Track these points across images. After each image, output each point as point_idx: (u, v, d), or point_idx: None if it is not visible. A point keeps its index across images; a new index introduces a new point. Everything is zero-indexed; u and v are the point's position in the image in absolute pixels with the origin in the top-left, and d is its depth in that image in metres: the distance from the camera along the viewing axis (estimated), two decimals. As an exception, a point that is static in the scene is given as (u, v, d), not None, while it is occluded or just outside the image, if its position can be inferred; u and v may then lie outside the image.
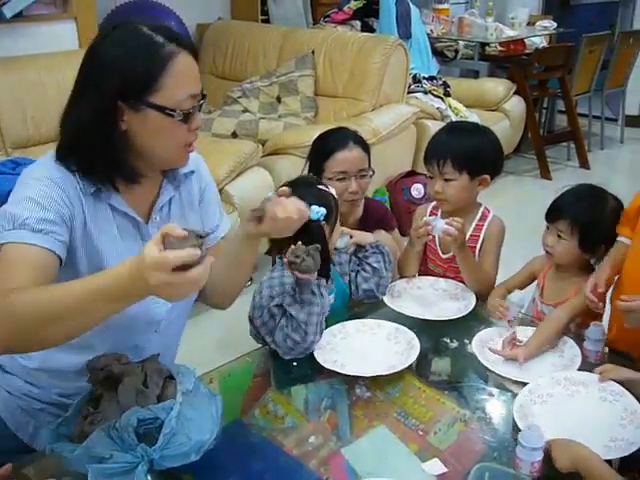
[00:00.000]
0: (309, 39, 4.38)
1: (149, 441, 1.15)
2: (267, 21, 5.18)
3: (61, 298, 1.10)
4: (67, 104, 1.34)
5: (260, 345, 1.76)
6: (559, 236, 1.89)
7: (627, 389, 1.46)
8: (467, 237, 2.03)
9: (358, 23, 5.03)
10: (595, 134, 5.95)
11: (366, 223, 2.26)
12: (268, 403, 1.54)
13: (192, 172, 1.53)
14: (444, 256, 2.09)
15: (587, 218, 1.87)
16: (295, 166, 3.47)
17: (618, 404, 1.45)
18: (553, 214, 1.92)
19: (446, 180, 2.00)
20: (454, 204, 2.03)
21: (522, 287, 2.03)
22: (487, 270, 2.04)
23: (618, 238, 1.84)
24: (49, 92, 3.25)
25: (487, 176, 2.03)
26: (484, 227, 2.08)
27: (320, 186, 1.87)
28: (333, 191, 1.88)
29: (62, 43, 3.56)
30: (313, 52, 4.27)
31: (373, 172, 2.26)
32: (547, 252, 1.95)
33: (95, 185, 1.34)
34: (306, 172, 2.26)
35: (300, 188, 1.85)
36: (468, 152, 2.00)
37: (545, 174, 5.31)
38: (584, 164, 5.54)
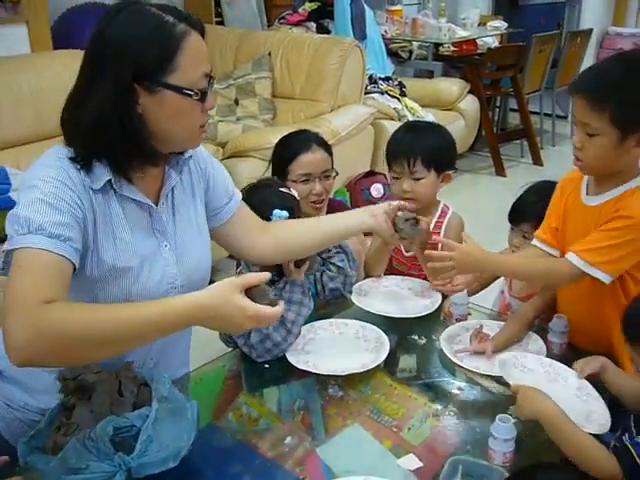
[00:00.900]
0: (265, 41, 4.38)
1: (126, 449, 1.14)
2: (221, 23, 5.16)
3: (118, 324, 1.15)
4: (73, 97, 1.30)
5: (230, 349, 1.76)
6: (524, 237, 1.93)
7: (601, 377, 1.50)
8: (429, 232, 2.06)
9: (313, 25, 5.04)
10: (547, 131, 6.08)
11: None
12: (241, 406, 1.54)
13: (190, 156, 1.51)
14: (407, 254, 2.12)
15: (529, 205, 1.93)
16: (256, 168, 3.47)
17: (588, 405, 1.47)
18: (516, 216, 1.96)
19: (415, 179, 2.03)
20: (422, 202, 2.05)
21: (489, 283, 2.07)
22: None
23: (534, 243, 1.74)
24: (1, 96, 3.18)
25: (450, 172, 2.07)
26: (444, 224, 2.11)
27: (282, 189, 1.88)
28: (295, 193, 1.90)
29: (13, 47, 3.49)
30: (270, 54, 4.27)
31: (336, 173, 2.28)
32: (514, 252, 1.97)
33: (104, 178, 1.30)
34: (269, 175, 2.27)
35: (262, 191, 1.87)
36: (434, 150, 2.05)
37: (500, 171, 5.41)
38: (537, 161, 5.66)
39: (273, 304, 1.27)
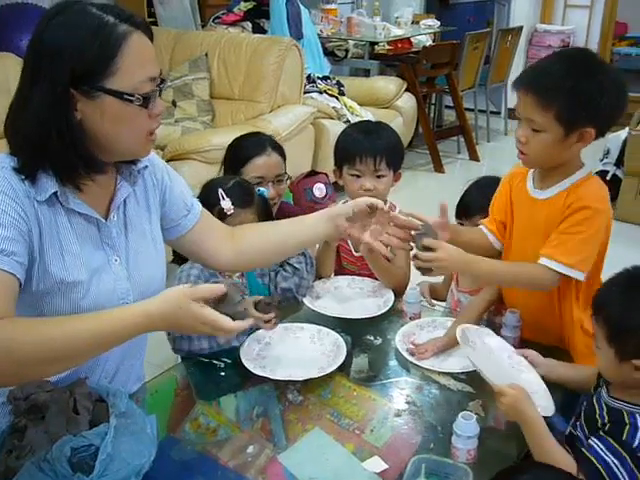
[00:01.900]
0: (201, 41, 4.32)
1: (85, 470, 1.10)
2: (155, 23, 5.06)
3: (68, 338, 1.12)
4: (14, 103, 1.24)
5: (178, 355, 1.73)
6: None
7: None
8: None
9: (249, 24, 5.00)
10: (482, 127, 6.20)
11: None
12: (198, 416, 1.50)
13: (146, 167, 1.45)
14: (357, 254, 2.12)
15: (476, 199, 1.97)
16: (197, 171, 3.42)
17: (522, 374, 1.51)
18: (467, 211, 1.99)
19: (377, 177, 2.03)
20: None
21: (446, 281, 2.10)
22: (400, 266, 2.08)
23: (481, 227, 1.80)
24: None
25: (400, 171, 2.09)
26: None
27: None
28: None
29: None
30: (206, 54, 4.21)
31: (289, 177, 2.27)
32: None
33: (49, 190, 1.24)
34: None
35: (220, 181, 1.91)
36: (395, 148, 2.08)
37: (438, 168, 5.49)
38: (474, 156, 5.77)
39: (235, 317, 1.24)
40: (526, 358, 1.55)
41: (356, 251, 2.11)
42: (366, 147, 2.03)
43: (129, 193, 1.42)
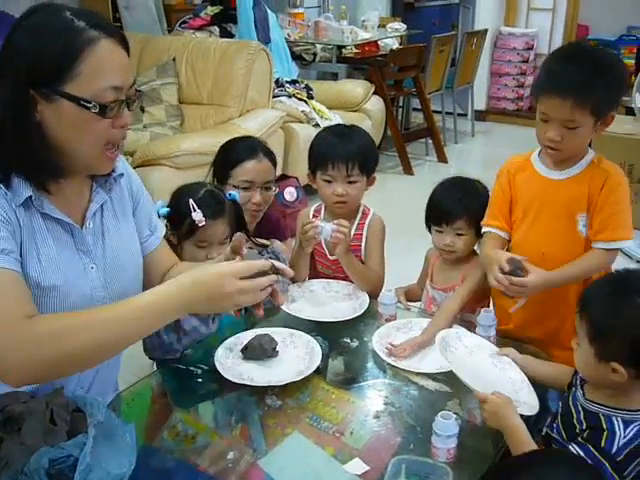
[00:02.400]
0: (169, 46, 4.30)
1: (64, 481, 1.08)
2: (120, 28, 5.01)
3: (110, 324, 1.17)
4: None
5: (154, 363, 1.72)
6: (458, 234, 1.95)
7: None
8: (351, 236, 2.07)
9: (216, 29, 4.98)
10: (449, 129, 6.26)
11: (260, 233, 2.25)
12: (176, 424, 1.49)
13: (122, 175, 1.43)
14: (332, 257, 2.12)
15: (472, 209, 1.96)
16: (167, 176, 3.40)
17: (506, 372, 1.54)
18: (447, 216, 1.95)
19: (349, 182, 2.03)
20: (353, 205, 2.07)
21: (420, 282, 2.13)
22: (374, 269, 2.09)
23: (490, 230, 1.88)
24: None
25: (375, 175, 2.09)
26: (365, 225, 2.13)
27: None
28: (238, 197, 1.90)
29: None
30: (174, 59, 4.19)
31: (277, 186, 2.27)
32: (444, 251, 1.99)
33: (24, 194, 1.23)
34: (209, 179, 2.23)
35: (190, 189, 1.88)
36: (368, 153, 2.07)
37: (407, 170, 5.52)
38: (442, 158, 5.81)
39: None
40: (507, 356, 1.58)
41: (331, 255, 2.11)
42: (338, 153, 2.03)
43: (105, 200, 1.40)
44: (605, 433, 1.27)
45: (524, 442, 1.31)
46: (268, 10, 5.04)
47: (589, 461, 1.24)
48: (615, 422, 1.28)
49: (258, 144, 2.27)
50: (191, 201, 1.81)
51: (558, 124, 1.67)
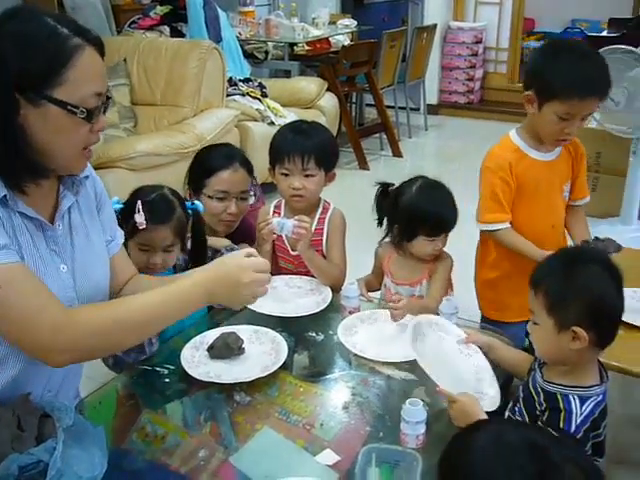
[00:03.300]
0: (119, 46, 4.24)
1: (35, 487, 1.07)
2: (67, 30, 4.92)
3: (146, 306, 1.32)
4: None
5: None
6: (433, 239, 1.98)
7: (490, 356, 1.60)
8: (312, 231, 2.09)
9: (167, 28, 4.92)
10: (402, 124, 6.31)
11: (231, 238, 2.23)
12: (145, 425, 1.48)
13: (87, 177, 1.44)
14: (294, 252, 2.13)
15: (456, 212, 1.99)
16: (123, 179, 3.35)
17: (471, 359, 1.58)
18: (444, 227, 1.96)
19: (306, 176, 2.04)
20: (310, 199, 2.08)
21: (380, 277, 2.15)
22: (336, 263, 2.11)
23: (499, 226, 2.03)
24: None
25: (334, 172, 2.11)
26: (326, 219, 2.15)
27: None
28: (200, 206, 1.90)
29: None
30: (125, 60, 4.14)
31: (254, 195, 2.26)
32: (430, 254, 2.00)
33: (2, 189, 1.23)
34: (185, 186, 2.22)
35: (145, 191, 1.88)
36: (325, 149, 2.08)
37: (363, 165, 5.56)
38: (397, 152, 5.86)
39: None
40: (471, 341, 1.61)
41: (293, 250, 2.12)
42: (295, 146, 2.04)
43: (73, 202, 1.41)
44: (562, 413, 1.31)
45: None
46: (218, 9, 5.01)
47: None
48: (572, 400, 1.32)
49: (235, 153, 2.26)
50: (139, 202, 1.79)
51: (579, 119, 1.86)
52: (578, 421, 1.30)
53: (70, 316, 1.25)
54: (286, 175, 2.06)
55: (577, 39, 2.23)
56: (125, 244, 1.67)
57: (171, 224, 1.86)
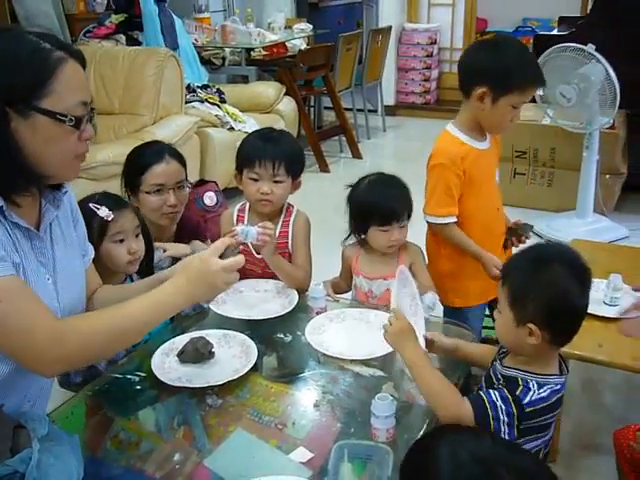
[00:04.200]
0: (75, 56, 4.19)
1: (11, 498, 1.07)
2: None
3: (136, 314, 1.37)
4: None
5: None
6: (401, 227, 2.02)
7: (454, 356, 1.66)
8: (276, 234, 2.12)
9: (123, 37, 4.89)
10: (361, 125, 6.37)
11: (181, 236, 2.26)
12: (119, 432, 1.49)
13: (66, 192, 1.47)
14: (259, 256, 2.15)
15: (408, 202, 2.05)
16: (84, 188, 3.27)
17: (416, 319, 1.60)
18: (393, 216, 2.00)
19: (275, 182, 2.07)
20: (277, 205, 2.11)
21: (347, 281, 2.19)
22: (302, 264, 2.14)
23: (451, 219, 2.12)
24: None
25: (300, 180, 2.15)
26: (290, 222, 2.18)
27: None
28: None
29: None
30: (82, 70, 4.10)
31: (191, 184, 2.27)
32: (391, 247, 2.04)
33: None
34: (122, 188, 2.23)
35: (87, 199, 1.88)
36: (295, 157, 2.13)
37: (324, 168, 5.60)
38: (356, 154, 5.92)
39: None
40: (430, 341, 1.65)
41: (257, 253, 2.14)
42: (266, 152, 2.08)
43: (54, 216, 1.43)
44: (520, 387, 1.37)
45: (423, 365, 1.42)
46: (174, 16, 5.00)
47: (499, 400, 1.34)
48: (530, 382, 1.37)
49: (164, 147, 2.29)
50: (91, 204, 1.82)
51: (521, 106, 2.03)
52: (534, 398, 1.35)
53: (66, 326, 1.29)
54: (255, 180, 2.09)
55: (501, 33, 2.36)
56: (96, 256, 1.70)
57: (130, 207, 1.92)
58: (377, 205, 2.02)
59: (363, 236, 2.10)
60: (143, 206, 2.17)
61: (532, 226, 2.31)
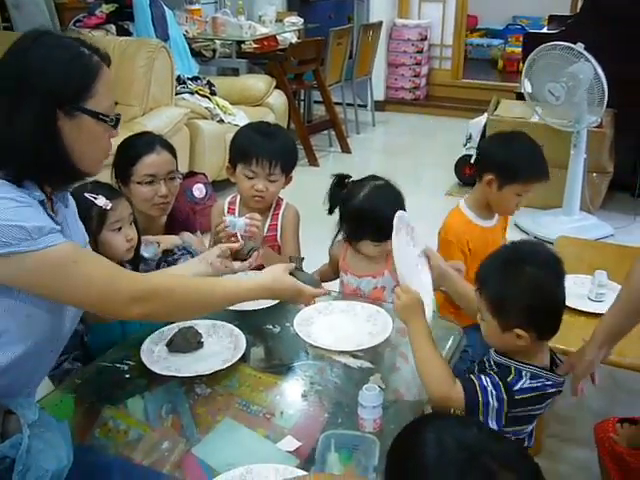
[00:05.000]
0: (64, 46, 4.17)
1: (1, 483, 1.08)
2: (10, 28, 4.83)
3: (218, 294, 1.55)
4: None
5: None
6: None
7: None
8: (266, 227, 2.13)
9: (113, 27, 4.87)
10: (350, 120, 6.39)
11: (171, 227, 2.26)
12: (107, 421, 1.49)
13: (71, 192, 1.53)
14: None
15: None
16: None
17: (422, 275, 1.68)
18: (389, 234, 1.74)
19: (270, 180, 2.09)
20: (270, 201, 2.14)
21: (335, 272, 2.19)
22: (291, 254, 2.14)
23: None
24: None
25: (292, 174, 2.16)
26: (280, 215, 2.20)
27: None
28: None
29: None
30: (71, 59, 4.08)
31: (181, 175, 2.28)
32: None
33: (38, 197, 1.32)
34: (113, 179, 2.22)
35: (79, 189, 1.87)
36: (290, 154, 2.16)
37: (313, 161, 5.61)
38: (345, 148, 5.94)
39: (314, 285, 1.71)
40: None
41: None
42: (264, 150, 2.09)
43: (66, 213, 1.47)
44: (512, 375, 1.40)
45: (424, 337, 1.47)
46: (165, 7, 4.99)
47: (489, 384, 1.37)
48: (523, 372, 1.40)
49: (154, 138, 2.28)
50: (87, 194, 1.82)
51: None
52: (524, 386, 1.38)
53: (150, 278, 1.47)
54: (250, 177, 2.10)
55: (519, 131, 2.35)
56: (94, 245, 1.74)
57: (122, 195, 1.92)
58: (374, 222, 1.93)
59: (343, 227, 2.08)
60: (134, 197, 2.17)
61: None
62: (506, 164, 2.15)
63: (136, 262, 1.90)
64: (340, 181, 2.13)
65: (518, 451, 0.99)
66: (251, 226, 1.97)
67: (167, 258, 1.96)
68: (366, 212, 1.97)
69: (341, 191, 2.10)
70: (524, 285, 1.38)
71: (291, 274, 1.67)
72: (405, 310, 1.52)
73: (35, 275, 1.26)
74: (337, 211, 2.10)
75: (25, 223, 1.23)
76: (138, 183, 2.16)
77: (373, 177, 2.08)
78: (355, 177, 2.13)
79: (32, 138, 1.29)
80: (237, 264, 1.79)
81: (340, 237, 2.15)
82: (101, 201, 1.79)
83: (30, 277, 1.26)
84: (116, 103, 1.42)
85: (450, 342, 1.74)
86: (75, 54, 1.33)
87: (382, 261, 2.05)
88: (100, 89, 1.34)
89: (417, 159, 5.70)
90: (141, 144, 2.22)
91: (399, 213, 1.65)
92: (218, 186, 4.00)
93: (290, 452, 1.37)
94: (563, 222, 4.04)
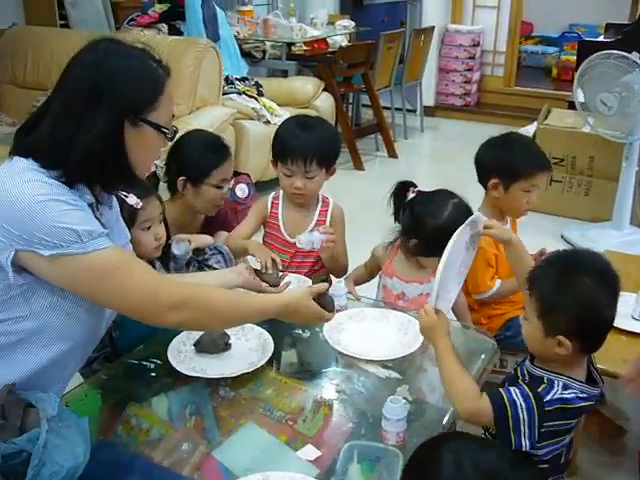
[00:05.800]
0: (116, 44, 4.24)
1: (17, 477, 1.08)
2: (66, 26, 4.94)
3: (252, 308, 1.54)
4: (61, 120, 1.32)
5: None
6: None
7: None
8: (313, 223, 2.15)
9: (165, 26, 4.94)
10: (398, 125, 6.32)
11: (210, 226, 2.27)
12: (130, 418, 1.50)
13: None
14: (292, 240, 2.14)
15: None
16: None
17: (468, 252, 1.66)
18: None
19: (308, 178, 2.08)
20: (311, 196, 2.15)
21: (372, 275, 2.20)
22: (340, 257, 2.21)
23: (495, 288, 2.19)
24: None
25: (334, 165, 2.15)
26: (328, 213, 2.21)
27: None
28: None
29: None
30: (122, 57, 4.14)
31: (248, 192, 2.35)
32: None
33: (88, 199, 1.36)
34: (164, 176, 2.27)
35: None
36: (327, 149, 2.13)
37: (358, 165, 5.57)
38: (392, 153, 5.88)
39: (332, 310, 1.64)
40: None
41: (291, 237, 2.15)
42: (298, 148, 2.07)
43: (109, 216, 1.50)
44: (544, 385, 1.36)
45: (449, 359, 1.45)
46: (217, 7, 5.02)
47: (519, 397, 1.33)
48: (556, 382, 1.36)
49: (223, 142, 2.30)
50: (118, 192, 1.82)
51: (536, 190, 2.18)
52: (555, 397, 1.34)
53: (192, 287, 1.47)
54: (289, 175, 2.09)
55: (509, 132, 2.37)
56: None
57: (154, 193, 1.93)
58: (441, 233, 1.74)
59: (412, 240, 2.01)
60: (201, 197, 2.17)
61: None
62: (505, 164, 2.15)
63: (166, 260, 1.90)
64: (404, 188, 2.07)
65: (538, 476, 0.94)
66: (328, 242, 2.02)
67: (198, 257, 1.96)
68: (450, 233, 1.78)
69: (404, 199, 2.05)
70: (579, 295, 1.34)
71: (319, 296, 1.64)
72: (428, 331, 1.52)
73: (80, 277, 1.28)
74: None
75: (77, 226, 1.25)
76: (213, 186, 2.16)
77: (448, 193, 2.01)
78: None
79: (99, 143, 1.31)
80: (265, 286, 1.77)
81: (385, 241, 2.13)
82: (132, 200, 1.79)
83: (75, 279, 1.29)
84: (173, 116, 1.45)
85: (483, 356, 1.69)
86: (145, 68, 1.37)
87: (429, 270, 2.00)
88: (164, 102, 1.38)
89: (464, 166, 5.53)
90: (217, 149, 2.23)
91: (477, 214, 1.69)
92: (262, 186, 4.00)
93: (310, 461, 1.35)
94: (611, 236, 3.91)
